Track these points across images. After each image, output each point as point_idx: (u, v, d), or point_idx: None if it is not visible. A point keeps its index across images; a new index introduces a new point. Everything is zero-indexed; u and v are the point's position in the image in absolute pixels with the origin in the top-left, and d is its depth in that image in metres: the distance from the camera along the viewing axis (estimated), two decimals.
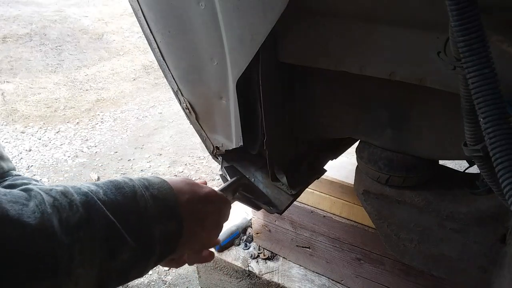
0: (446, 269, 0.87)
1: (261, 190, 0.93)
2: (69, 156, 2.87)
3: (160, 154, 2.91)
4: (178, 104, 0.97)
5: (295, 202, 1.11)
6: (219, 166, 1.04)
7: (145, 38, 0.87)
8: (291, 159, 0.95)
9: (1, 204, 0.39)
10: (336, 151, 1.07)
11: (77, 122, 3.36)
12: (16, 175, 0.86)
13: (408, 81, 0.64)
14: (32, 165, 2.75)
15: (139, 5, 0.80)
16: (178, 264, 0.65)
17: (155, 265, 0.55)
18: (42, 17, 5.52)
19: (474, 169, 0.65)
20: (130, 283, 1.82)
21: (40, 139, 3.09)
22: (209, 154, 1.05)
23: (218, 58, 0.74)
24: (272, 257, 1.57)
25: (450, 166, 0.94)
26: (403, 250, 0.91)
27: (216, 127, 0.94)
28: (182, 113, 1.01)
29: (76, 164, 2.78)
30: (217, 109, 0.87)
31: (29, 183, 0.79)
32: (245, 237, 1.64)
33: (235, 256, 1.56)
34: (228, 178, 0.91)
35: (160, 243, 0.52)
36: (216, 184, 2.62)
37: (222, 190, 0.73)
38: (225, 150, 0.96)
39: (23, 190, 0.45)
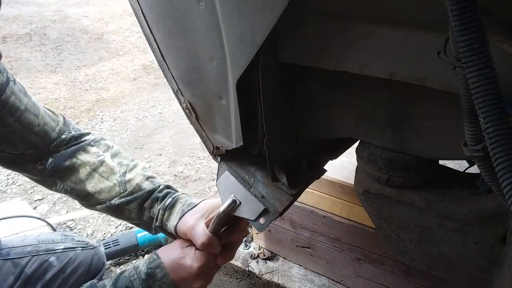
0: (446, 269, 0.87)
1: (254, 201, 0.93)
2: None
3: (160, 154, 2.90)
4: (178, 104, 0.97)
5: (295, 202, 1.11)
6: (219, 166, 1.04)
7: (145, 38, 0.88)
8: (291, 159, 0.95)
9: None
10: (336, 151, 1.07)
11: (77, 122, 3.36)
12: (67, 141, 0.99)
13: (408, 81, 0.64)
14: None
15: (139, 5, 0.80)
16: None
17: None
18: (42, 17, 5.52)
19: (474, 169, 0.65)
20: None
21: None
22: (209, 154, 1.05)
23: (218, 58, 0.74)
24: (272, 257, 1.57)
25: (450, 166, 0.94)
26: (403, 250, 0.91)
27: (216, 127, 0.94)
28: (182, 113, 1.01)
29: None
30: (217, 109, 0.87)
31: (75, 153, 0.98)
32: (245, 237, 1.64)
33: (235, 256, 1.56)
34: (220, 195, 0.94)
35: None
36: (215, 184, 2.61)
37: (213, 231, 0.85)
38: (225, 150, 0.96)
39: None
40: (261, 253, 1.57)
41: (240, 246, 1.60)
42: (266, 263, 1.54)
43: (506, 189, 0.39)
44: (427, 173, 0.83)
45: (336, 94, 0.83)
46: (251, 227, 1.64)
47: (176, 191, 1.01)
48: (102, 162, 0.97)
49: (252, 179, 0.97)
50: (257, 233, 1.58)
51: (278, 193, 0.93)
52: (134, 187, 0.96)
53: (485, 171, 0.49)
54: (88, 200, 0.98)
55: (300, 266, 1.52)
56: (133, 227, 2.16)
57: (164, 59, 0.87)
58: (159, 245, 2.01)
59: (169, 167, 2.74)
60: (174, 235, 0.96)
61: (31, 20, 5.34)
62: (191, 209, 0.93)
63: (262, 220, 0.90)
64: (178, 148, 2.99)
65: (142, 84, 4.25)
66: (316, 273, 1.49)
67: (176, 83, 0.90)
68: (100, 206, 0.97)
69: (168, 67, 0.88)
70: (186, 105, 0.93)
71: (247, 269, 1.51)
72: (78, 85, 4.10)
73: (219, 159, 1.04)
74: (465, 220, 0.78)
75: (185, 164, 2.77)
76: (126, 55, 5.02)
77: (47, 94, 3.82)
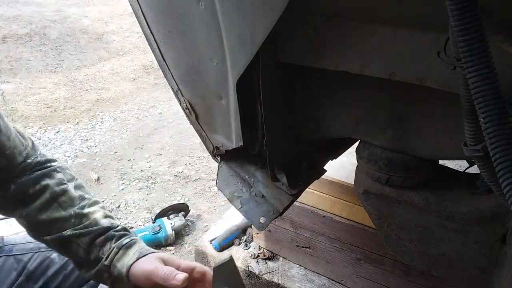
0: (446, 269, 0.87)
1: None
2: (69, 156, 2.87)
3: (160, 154, 2.90)
4: (178, 104, 0.97)
5: (295, 202, 1.11)
6: (219, 166, 1.04)
7: (145, 38, 0.88)
8: (291, 159, 0.95)
9: None
10: (336, 151, 1.07)
11: (77, 122, 3.36)
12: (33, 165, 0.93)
13: (408, 81, 0.64)
14: None
15: (139, 5, 0.81)
16: None
17: None
18: (42, 17, 5.52)
19: (474, 169, 0.65)
20: None
21: (40, 139, 3.09)
22: (209, 154, 1.05)
23: (218, 58, 0.74)
24: (272, 257, 1.57)
25: (450, 166, 0.94)
26: (403, 250, 0.91)
27: (216, 127, 0.94)
28: (182, 113, 1.01)
29: (76, 164, 2.78)
30: (217, 109, 0.87)
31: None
32: (245, 237, 1.64)
33: (235, 256, 1.56)
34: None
35: None
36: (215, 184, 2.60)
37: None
38: (225, 150, 0.96)
39: None
40: (261, 253, 1.57)
41: (240, 246, 1.60)
42: (266, 263, 1.54)
43: (506, 189, 0.39)
44: (427, 173, 0.83)
45: (336, 94, 0.83)
46: (251, 226, 1.64)
47: (133, 236, 0.94)
48: (64, 192, 0.92)
49: (252, 179, 0.97)
50: (257, 233, 1.58)
51: (278, 193, 0.93)
52: (91, 221, 0.90)
53: (485, 171, 0.49)
54: (38, 229, 0.91)
55: (300, 266, 1.52)
56: (133, 227, 2.16)
57: (164, 59, 0.87)
58: (158, 245, 2.01)
59: (169, 167, 2.75)
60: (113, 281, 0.88)
61: (31, 20, 5.34)
62: (149, 254, 0.87)
63: (262, 220, 0.91)
64: (178, 148, 2.99)
65: (142, 84, 4.25)
66: (316, 273, 1.49)
67: (176, 83, 0.90)
68: (49, 237, 0.89)
69: (168, 67, 0.88)
70: (186, 105, 0.93)
71: (247, 269, 1.51)
72: (78, 85, 4.10)
73: (219, 159, 1.04)
74: (465, 220, 0.78)
75: (185, 164, 2.77)
76: (126, 55, 5.02)
77: (47, 94, 3.82)
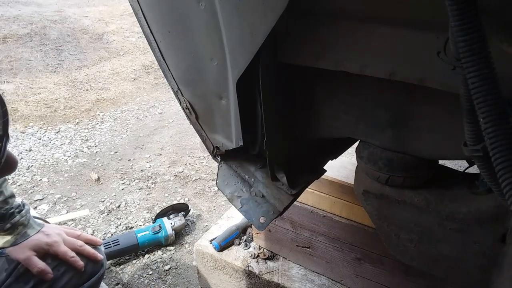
0: (446, 269, 0.87)
1: None
2: (69, 156, 2.87)
3: (160, 154, 2.90)
4: (178, 104, 0.98)
5: (295, 202, 1.11)
6: (219, 166, 1.04)
7: (145, 38, 0.88)
8: (291, 159, 0.95)
9: None
10: (336, 151, 1.07)
11: (77, 122, 3.36)
12: None
13: (408, 81, 0.64)
14: (32, 165, 2.75)
15: (139, 5, 0.81)
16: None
17: None
18: (42, 17, 5.52)
19: (474, 169, 0.65)
20: (129, 283, 1.82)
21: (40, 139, 3.08)
22: (209, 154, 1.05)
23: (218, 58, 0.74)
24: (272, 257, 1.56)
25: (450, 166, 0.94)
26: (403, 250, 0.91)
27: (216, 127, 0.94)
28: (182, 113, 1.01)
29: (76, 164, 2.78)
30: (217, 109, 0.87)
31: None
32: (245, 237, 1.64)
33: (235, 256, 1.56)
34: None
35: None
36: (215, 184, 2.60)
37: None
38: (225, 150, 0.96)
39: None
40: (261, 253, 1.57)
41: (240, 246, 1.60)
42: (266, 263, 1.54)
43: (506, 189, 0.39)
44: (427, 173, 0.83)
45: (336, 94, 0.83)
46: (251, 226, 1.64)
47: (21, 209, 1.09)
48: None
49: (252, 179, 0.97)
50: (257, 233, 1.58)
51: (278, 193, 0.93)
52: None
53: (485, 171, 0.49)
54: None
55: (300, 266, 1.52)
56: (133, 227, 2.16)
57: (164, 59, 0.87)
58: (159, 244, 2.01)
59: (169, 167, 2.74)
60: None
61: (31, 20, 5.34)
62: (21, 243, 1.04)
63: (262, 220, 0.91)
64: (178, 148, 2.99)
65: (142, 84, 4.25)
66: (316, 273, 1.49)
67: (176, 83, 0.90)
68: None
69: (168, 67, 0.88)
70: (186, 105, 0.94)
71: (247, 269, 1.51)
72: (78, 85, 4.10)
73: (219, 159, 1.04)
74: (465, 220, 0.78)
75: (185, 164, 2.77)
76: (126, 55, 5.02)
77: (47, 94, 3.82)
